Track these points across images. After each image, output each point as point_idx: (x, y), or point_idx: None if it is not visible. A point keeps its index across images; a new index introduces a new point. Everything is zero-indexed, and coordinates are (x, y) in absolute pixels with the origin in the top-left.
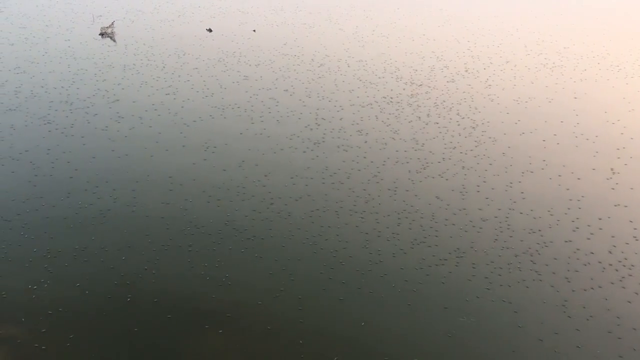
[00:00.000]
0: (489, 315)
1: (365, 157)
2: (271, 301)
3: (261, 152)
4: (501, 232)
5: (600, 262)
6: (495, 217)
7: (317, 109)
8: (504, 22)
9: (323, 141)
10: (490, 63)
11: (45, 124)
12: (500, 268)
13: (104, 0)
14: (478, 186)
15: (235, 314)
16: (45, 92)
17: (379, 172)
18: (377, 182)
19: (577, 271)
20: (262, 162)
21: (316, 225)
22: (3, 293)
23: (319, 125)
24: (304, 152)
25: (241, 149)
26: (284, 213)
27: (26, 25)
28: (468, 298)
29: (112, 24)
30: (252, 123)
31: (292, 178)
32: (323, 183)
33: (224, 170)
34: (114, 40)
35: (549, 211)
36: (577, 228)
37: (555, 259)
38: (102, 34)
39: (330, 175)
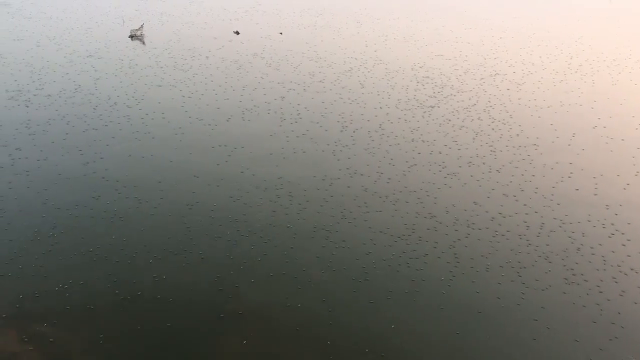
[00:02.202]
0: (523, 321)
1: (392, 160)
2: (300, 302)
3: (288, 154)
4: (537, 236)
5: (632, 269)
6: (529, 223)
7: (344, 112)
8: (532, 25)
9: (353, 144)
10: (518, 66)
11: (75, 124)
12: (535, 273)
13: (134, 3)
14: (519, 192)
15: (262, 314)
16: (75, 91)
17: (404, 176)
18: (406, 186)
19: (613, 277)
20: (289, 164)
21: (344, 227)
22: (36, 293)
23: (345, 127)
24: (333, 154)
25: (268, 150)
26: (312, 216)
27: (58, 27)
28: (503, 302)
29: (142, 26)
30: (280, 126)
31: (323, 180)
32: (349, 187)
33: (247, 169)
34: (143, 43)
35: (585, 217)
36: (612, 234)
37: (590, 262)
38: (131, 36)
39: (352, 177)
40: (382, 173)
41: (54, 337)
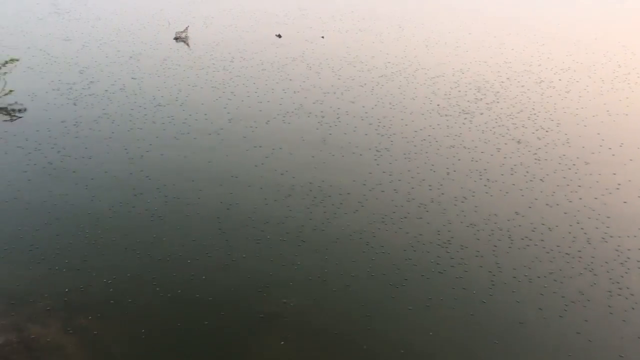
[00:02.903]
0: (565, 333)
1: (432, 166)
2: (338, 307)
3: (326, 157)
4: (582, 248)
5: None
6: (573, 234)
7: (384, 117)
8: (577, 31)
9: (392, 149)
10: (564, 74)
11: (120, 123)
12: (579, 285)
13: (180, 6)
14: (565, 203)
15: (300, 317)
16: (121, 91)
17: (444, 183)
18: (443, 193)
19: None
20: (328, 168)
21: (383, 233)
22: (81, 287)
23: (385, 132)
24: (374, 159)
25: (307, 153)
26: (350, 220)
27: (106, 28)
28: (544, 314)
29: (186, 28)
30: (318, 129)
31: (363, 185)
32: (388, 192)
33: (287, 172)
34: (188, 45)
35: (633, 232)
36: None
37: (636, 276)
38: (176, 39)
39: (391, 182)
40: (423, 179)
41: (97, 330)
